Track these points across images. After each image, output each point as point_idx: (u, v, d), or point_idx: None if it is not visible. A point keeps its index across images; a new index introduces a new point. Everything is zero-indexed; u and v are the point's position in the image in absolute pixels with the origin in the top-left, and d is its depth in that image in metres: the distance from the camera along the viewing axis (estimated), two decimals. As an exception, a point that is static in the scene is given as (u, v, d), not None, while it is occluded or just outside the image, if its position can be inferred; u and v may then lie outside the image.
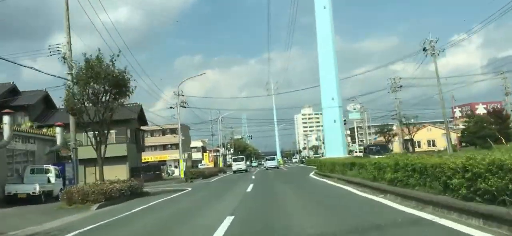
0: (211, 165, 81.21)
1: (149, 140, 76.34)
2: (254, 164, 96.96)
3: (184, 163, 42.42)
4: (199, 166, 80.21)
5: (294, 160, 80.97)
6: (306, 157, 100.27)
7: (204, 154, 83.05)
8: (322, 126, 65.19)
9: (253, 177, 28.58)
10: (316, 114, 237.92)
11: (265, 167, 54.38)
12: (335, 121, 23.97)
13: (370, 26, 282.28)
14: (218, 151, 78.09)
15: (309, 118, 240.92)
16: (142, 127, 51.06)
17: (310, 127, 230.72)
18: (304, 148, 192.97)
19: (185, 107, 57.97)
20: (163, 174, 45.78)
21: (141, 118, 41.05)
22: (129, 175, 32.16)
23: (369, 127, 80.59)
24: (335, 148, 23.70)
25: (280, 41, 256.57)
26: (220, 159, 59.62)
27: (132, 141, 36.33)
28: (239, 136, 76.90)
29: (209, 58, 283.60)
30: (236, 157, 53.44)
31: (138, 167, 36.54)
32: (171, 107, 57.57)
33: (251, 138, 69.90)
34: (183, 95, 57.53)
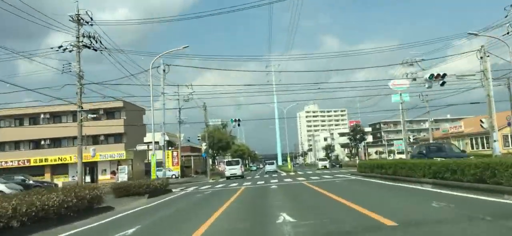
0: (177, 169, 50.71)
1: (65, 128, 45.75)
2: (253, 168, 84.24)
3: None
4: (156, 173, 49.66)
5: (320, 165, 48.78)
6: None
7: (167, 153, 52.35)
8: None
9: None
10: (321, 111, 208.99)
11: (265, 171, 49.03)
12: None
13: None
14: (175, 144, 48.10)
15: (313, 117, 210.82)
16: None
17: (315, 126, 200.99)
18: (310, 150, 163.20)
19: (90, 47, 27.81)
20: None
21: None
22: None
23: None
24: None
25: (280, 43, 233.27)
26: (152, 158, 28.27)
27: None
28: (219, 122, 45.42)
29: (207, 59, 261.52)
30: (230, 160, 44.49)
31: None
32: (60, 47, 28.11)
33: (239, 125, 39.09)
34: (91, 23, 27.68)
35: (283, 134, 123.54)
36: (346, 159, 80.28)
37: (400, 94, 45.18)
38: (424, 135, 61.36)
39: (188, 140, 55.33)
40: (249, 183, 25.95)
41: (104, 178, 45.37)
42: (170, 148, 56.18)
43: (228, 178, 36.96)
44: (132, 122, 46.94)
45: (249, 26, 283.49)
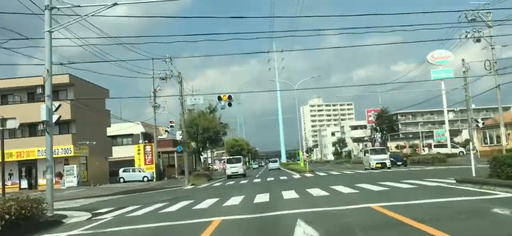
0: (151, 169, 38.20)
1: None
2: (254, 166, 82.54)
3: None
4: (121, 174, 37.15)
5: (374, 161, 31.79)
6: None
7: (137, 148, 39.75)
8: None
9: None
10: (327, 105, 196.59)
11: (268, 169, 49.85)
12: None
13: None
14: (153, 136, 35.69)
15: (318, 110, 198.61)
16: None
17: (320, 121, 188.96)
18: (315, 146, 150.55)
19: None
20: None
21: None
22: None
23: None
24: None
25: (280, 40, 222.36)
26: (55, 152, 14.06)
27: None
28: (200, 100, 31.46)
29: (208, 56, 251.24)
30: (230, 158, 41.21)
31: None
32: None
33: (230, 105, 25.99)
34: None
35: (286, 127, 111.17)
36: (361, 155, 67.49)
37: (465, 63, 32.82)
38: (482, 123, 46.13)
39: (167, 131, 42.69)
40: (241, 197, 13.33)
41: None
42: (142, 141, 43.65)
43: (229, 177, 35.44)
44: (89, 106, 34.14)
45: (250, 22, 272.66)
